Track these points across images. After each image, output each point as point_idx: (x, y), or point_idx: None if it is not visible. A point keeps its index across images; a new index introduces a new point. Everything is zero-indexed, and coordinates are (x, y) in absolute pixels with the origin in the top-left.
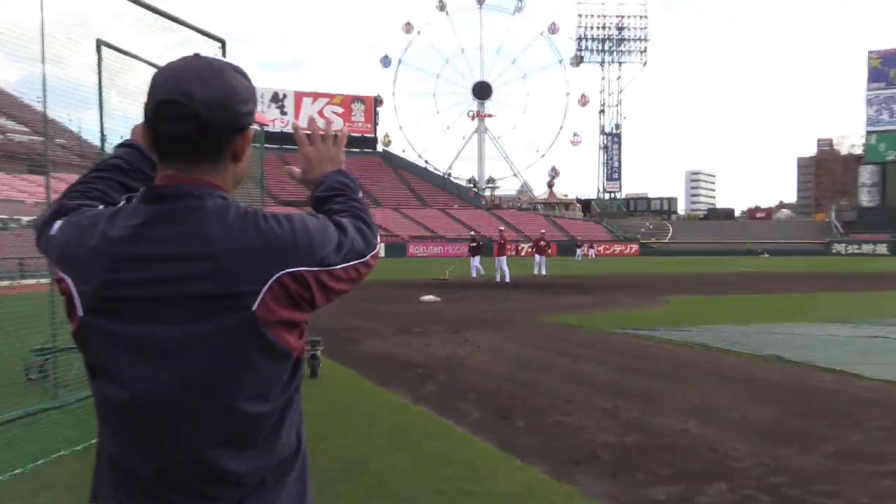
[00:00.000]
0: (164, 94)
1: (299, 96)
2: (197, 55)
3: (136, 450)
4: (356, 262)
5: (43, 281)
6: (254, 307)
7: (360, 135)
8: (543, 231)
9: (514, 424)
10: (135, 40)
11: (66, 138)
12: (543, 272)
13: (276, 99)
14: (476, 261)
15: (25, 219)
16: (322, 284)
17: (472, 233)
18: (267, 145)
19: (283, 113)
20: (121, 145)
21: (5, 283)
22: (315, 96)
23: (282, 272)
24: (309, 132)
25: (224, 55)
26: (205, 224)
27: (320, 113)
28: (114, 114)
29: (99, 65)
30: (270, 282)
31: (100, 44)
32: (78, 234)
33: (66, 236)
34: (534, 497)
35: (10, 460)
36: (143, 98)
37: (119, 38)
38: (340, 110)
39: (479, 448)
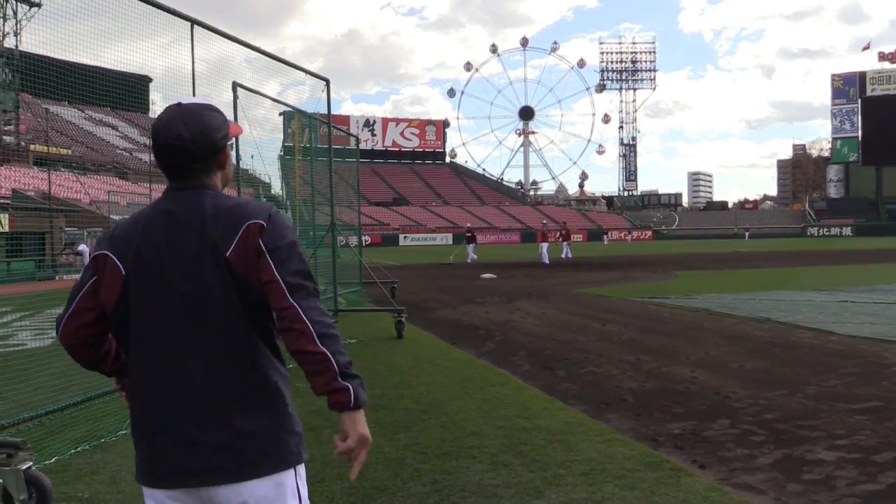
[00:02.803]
0: (163, 140)
1: (385, 121)
2: (179, 104)
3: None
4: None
5: None
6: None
7: (432, 150)
8: (545, 221)
9: (557, 374)
10: (260, 81)
11: None
12: (569, 255)
13: (368, 124)
14: (471, 248)
15: None
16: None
17: (468, 225)
18: (361, 160)
19: (374, 134)
20: None
21: None
22: (397, 121)
23: (248, 222)
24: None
25: (328, 91)
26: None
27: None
28: (246, 139)
29: (235, 101)
30: (240, 231)
31: (235, 85)
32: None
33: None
34: (573, 431)
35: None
36: (266, 126)
37: (249, 79)
38: (417, 131)
39: (529, 393)
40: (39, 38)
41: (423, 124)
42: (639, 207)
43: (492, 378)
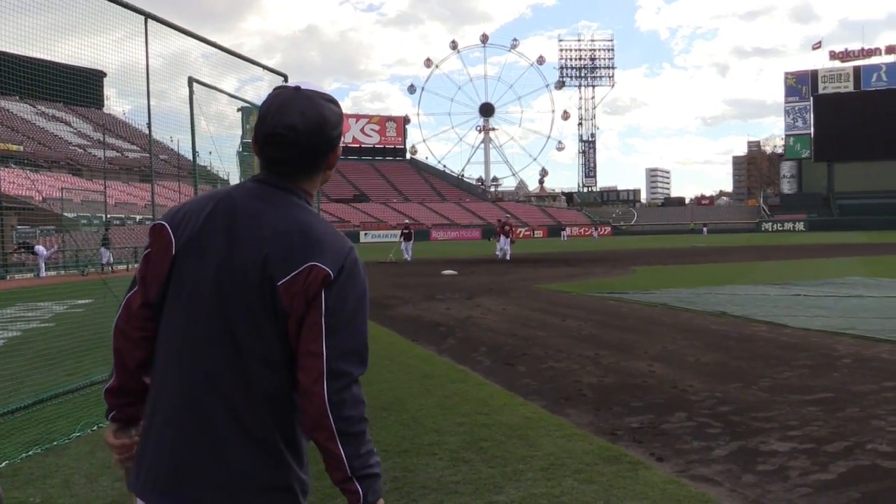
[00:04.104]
0: (271, 128)
1: (345, 117)
2: (297, 88)
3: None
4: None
5: None
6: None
7: (392, 146)
8: (507, 216)
9: (517, 370)
10: (217, 76)
11: (167, 154)
12: (507, 256)
13: None
14: (407, 246)
15: (138, 217)
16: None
17: (406, 221)
18: None
19: None
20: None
21: (122, 266)
22: (358, 117)
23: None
24: None
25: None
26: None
27: None
28: (203, 134)
29: (191, 97)
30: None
31: (191, 80)
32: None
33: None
34: (533, 427)
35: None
36: (224, 122)
37: (206, 75)
38: (377, 127)
39: (490, 389)
40: None
41: (383, 121)
42: (598, 204)
43: (452, 375)
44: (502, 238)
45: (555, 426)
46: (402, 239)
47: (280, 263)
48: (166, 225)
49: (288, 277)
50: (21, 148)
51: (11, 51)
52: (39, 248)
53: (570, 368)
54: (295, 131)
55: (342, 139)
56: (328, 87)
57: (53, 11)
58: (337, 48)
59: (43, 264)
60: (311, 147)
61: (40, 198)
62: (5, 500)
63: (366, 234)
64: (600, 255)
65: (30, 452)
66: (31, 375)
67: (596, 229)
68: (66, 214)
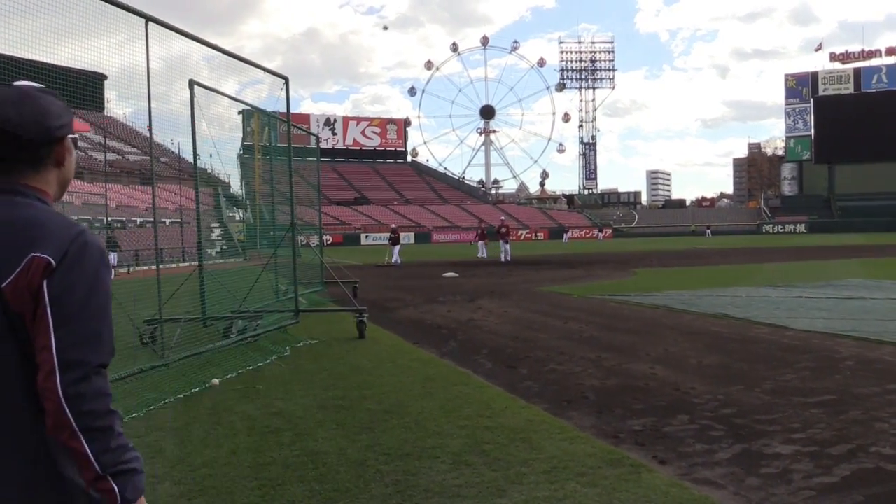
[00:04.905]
0: None
1: (346, 120)
2: (10, 85)
3: None
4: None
5: (152, 267)
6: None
7: (393, 149)
8: (503, 217)
9: (519, 373)
10: (218, 79)
11: (168, 157)
12: (508, 257)
13: (329, 123)
14: (395, 250)
15: (139, 219)
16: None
17: (393, 226)
18: (322, 159)
19: (334, 133)
20: None
21: (123, 269)
22: (358, 119)
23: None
24: None
25: (287, 90)
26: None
27: None
28: (204, 137)
29: (192, 99)
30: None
31: (192, 83)
32: None
33: None
34: (536, 430)
35: (129, 406)
36: (224, 124)
37: (206, 78)
38: (378, 130)
39: (492, 392)
40: None
41: (384, 123)
42: (599, 206)
43: (454, 377)
44: (501, 241)
45: (557, 429)
46: (390, 244)
47: (2, 265)
48: None
49: (12, 277)
50: None
51: (12, 53)
52: None
53: (572, 371)
54: (9, 122)
55: (73, 135)
56: (328, 89)
57: (54, 14)
58: (337, 51)
59: None
60: (30, 139)
61: None
62: None
63: (366, 236)
64: (601, 257)
65: None
66: None
67: (601, 231)
68: (72, 217)
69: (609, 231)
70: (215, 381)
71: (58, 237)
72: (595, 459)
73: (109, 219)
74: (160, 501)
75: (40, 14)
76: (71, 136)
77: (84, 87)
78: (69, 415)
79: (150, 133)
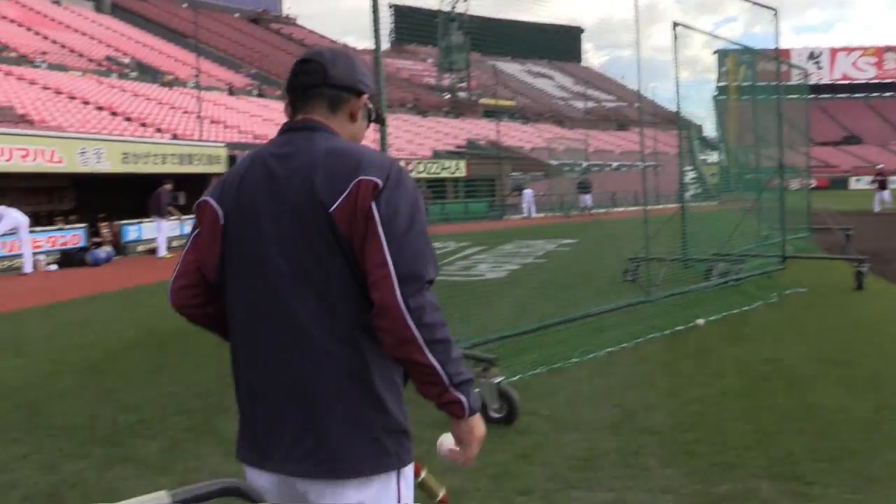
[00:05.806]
0: (300, 58)
1: (834, 52)
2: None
3: None
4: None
5: (632, 208)
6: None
7: (892, 80)
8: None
9: None
10: (689, 21)
11: (642, 103)
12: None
13: (812, 56)
14: (884, 195)
15: (615, 163)
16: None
17: (880, 166)
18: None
19: (819, 67)
20: None
21: (602, 210)
22: (849, 50)
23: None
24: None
25: (777, 21)
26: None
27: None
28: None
29: (675, 41)
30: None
31: (675, 24)
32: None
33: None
34: None
35: (618, 337)
36: (697, 66)
37: (677, 20)
38: (874, 60)
39: None
40: (484, 0)
41: (880, 52)
42: None
43: None
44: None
45: None
46: (877, 188)
47: (328, 191)
48: (209, 200)
49: (339, 201)
50: (513, 103)
51: (502, 17)
52: (528, 191)
53: None
54: (322, 58)
55: (369, 105)
56: (811, 19)
57: None
58: None
59: (533, 206)
60: (335, 76)
61: (530, 147)
62: (521, 409)
63: (857, 179)
64: None
65: (536, 371)
66: (531, 303)
67: None
68: (551, 162)
69: None
70: (700, 321)
71: (378, 163)
72: None
73: (587, 163)
74: (656, 428)
75: None
76: (367, 105)
77: (564, 41)
78: (412, 328)
79: (640, 80)
